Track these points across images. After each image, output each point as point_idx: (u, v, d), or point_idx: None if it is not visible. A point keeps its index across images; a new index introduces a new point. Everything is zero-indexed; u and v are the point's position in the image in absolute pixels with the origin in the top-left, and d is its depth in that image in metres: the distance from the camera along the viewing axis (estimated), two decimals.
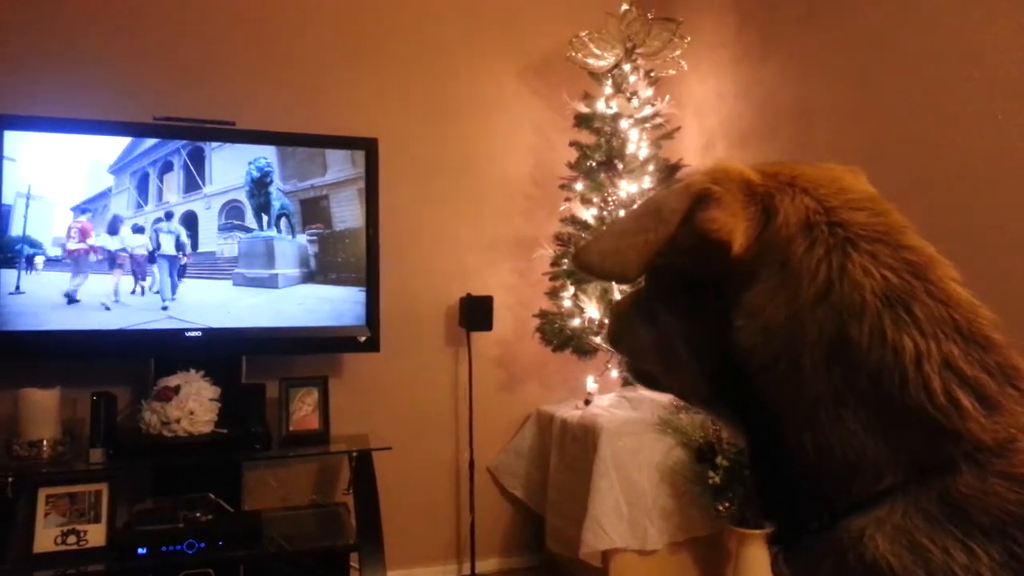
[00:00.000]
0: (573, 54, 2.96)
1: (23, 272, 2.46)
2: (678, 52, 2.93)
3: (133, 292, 2.56)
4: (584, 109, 2.95)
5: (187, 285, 2.64)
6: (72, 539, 2.30)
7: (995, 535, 0.48)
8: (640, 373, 0.77)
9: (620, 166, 2.88)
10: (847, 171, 0.64)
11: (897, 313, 0.54)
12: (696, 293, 0.62)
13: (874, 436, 0.53)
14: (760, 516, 0.60)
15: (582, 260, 0.63)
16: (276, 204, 2.76)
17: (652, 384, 0.76)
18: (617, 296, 2.81)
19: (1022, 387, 0.54)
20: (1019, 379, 0.54)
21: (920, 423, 0.52)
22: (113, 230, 2.57)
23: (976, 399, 0.52)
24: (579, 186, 2.94)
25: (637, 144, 2.90)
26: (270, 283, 2.73)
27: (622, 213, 2.85)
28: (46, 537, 2.28)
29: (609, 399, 2.87)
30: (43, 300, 2.47)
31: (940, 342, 0.53)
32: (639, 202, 2.83)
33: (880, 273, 0.55)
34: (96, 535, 2.32)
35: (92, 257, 2.53)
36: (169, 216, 2.64)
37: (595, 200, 2.90)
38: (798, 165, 0.63)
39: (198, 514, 2.35)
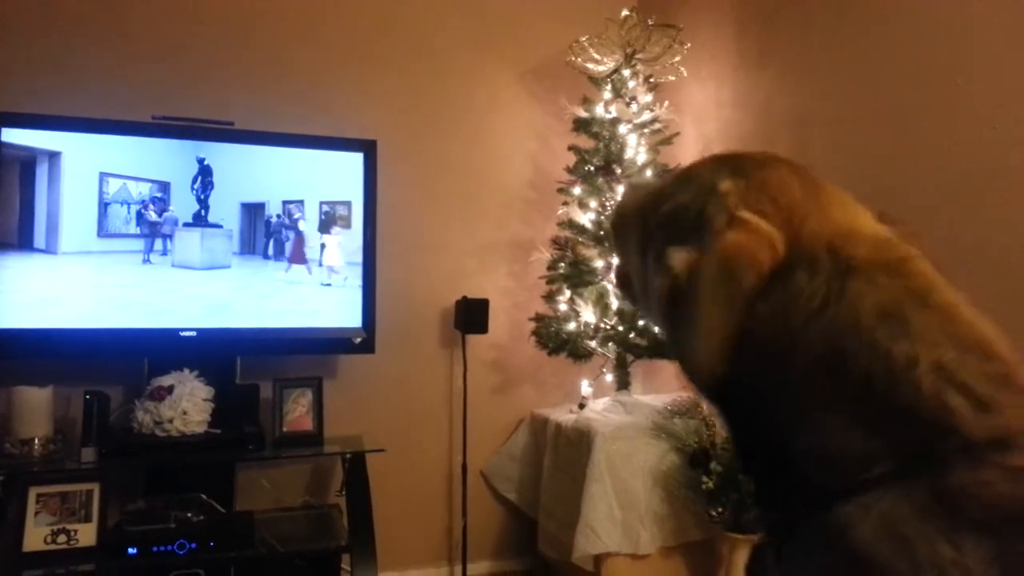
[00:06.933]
0: (573, 58, 2.97)
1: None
2: (677, 58, 2.94)
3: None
4: (583, 113, 2.96)
5: (182, 282, 2.63)
6: (62, 538, 2.29)
7: (985, 529, 0.48)
8: (622, 279, 0.77)
9: (618, 171, 2.89)
10: (861, 211, 0.65)
11: (891, 325, 0.55)
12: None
13: (863, 431, 0.54)
14: (755, 504, 0.61)
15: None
16: None
17: (630, 297, 0.76)
18: (614, 303, 2.81)
19: (1018, 393, 0.54)
20: (1017, 389, 0.54)
21: (910, 421, 0.53)
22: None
23: (967, 399, 0.52)
24: (577, 190, 2.94)
25: (635, 149, 2.91)
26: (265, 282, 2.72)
27: None
28: (36, 536, 2.27)
29: (604, 403, 2.87)
30: (36, 298, 2.46)
31: (931, 348, 0.54)
32: None
33: (876, 294, 0.57)
34: (87, 535, 2.32)
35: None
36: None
37: (593, 205, 2.90)
38: (820, 191, 0.64)
39: (190, 514, 2.35)
